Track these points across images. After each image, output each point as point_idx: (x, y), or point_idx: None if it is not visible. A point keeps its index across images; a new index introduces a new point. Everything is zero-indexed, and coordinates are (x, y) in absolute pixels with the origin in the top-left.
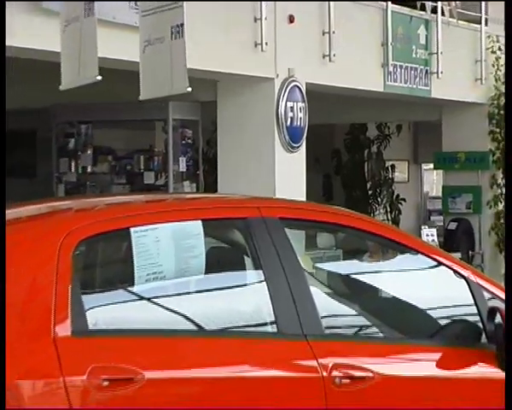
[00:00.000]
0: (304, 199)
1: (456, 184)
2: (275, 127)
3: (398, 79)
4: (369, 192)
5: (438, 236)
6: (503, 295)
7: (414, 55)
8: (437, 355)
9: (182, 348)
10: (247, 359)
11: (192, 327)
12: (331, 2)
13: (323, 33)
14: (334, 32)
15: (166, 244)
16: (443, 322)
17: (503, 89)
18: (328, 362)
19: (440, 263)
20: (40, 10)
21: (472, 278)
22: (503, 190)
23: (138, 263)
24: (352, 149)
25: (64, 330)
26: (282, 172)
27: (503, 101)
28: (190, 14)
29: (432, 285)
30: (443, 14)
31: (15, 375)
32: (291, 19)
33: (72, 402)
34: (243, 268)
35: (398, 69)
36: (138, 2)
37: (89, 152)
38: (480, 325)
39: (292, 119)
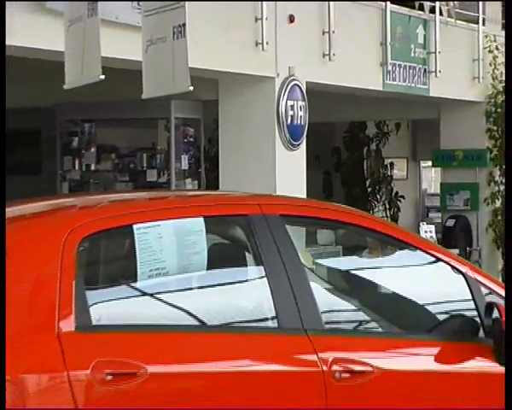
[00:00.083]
0: (304, 196)
1: (454, 182)
2: (275, 126)
3: (396, 77)
4: (369, 189)
5: (436, 232)
6: (500, 291)
7: (412, 55)
8: (435, 350)
9: (184, 343)
10: (248, 353)
11: (194, 322)
12: (331, 3)
13: (323, 33)
14: (333, 32)
15: (169, 241)
16: (441, 317)
17: (500, 87)
18: (328, 356)
19: (439, 259)
20: (44, 10)
21: (470, 273)
22: (501, 188)
23: (141, 259)
24: (351, 146)
25: (68, 325)
26: (282, 169)
27: (500, 99)
28: (192, 14)
29: (430, 281)
30: (441, 13)
31: (20, 369)
32: (291, 19)
33: (76, 396)
34: (244, 264)
35: (397, 68)
36: (141, 3)
37: (92, 150)
38: (478, 319)
39: (292, 117)
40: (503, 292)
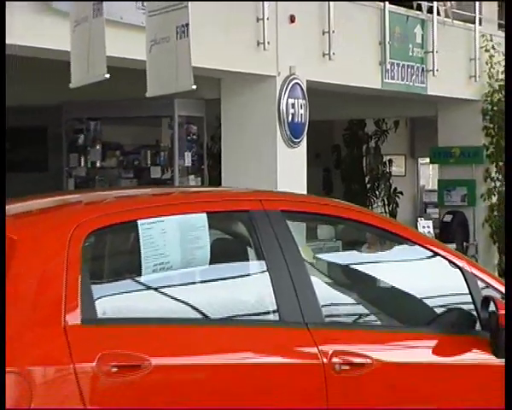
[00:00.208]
0: (305, 192)
1: (452, 178)
2: (276, 123)
3: (395, 76)
4: (368, 186)
5: (434, 227)
6: (496, 285)
7: (410, 54)
8: (433, 342)
9: (187, 336)
10: (250, 346)
11: (197, 316)
12: (331, 3)
13: (323, 33)
14: (333, 32)
15: (172, 236)
16: (439, 310)
17: (496, 86)
18: (329, 349)
19: (436, 254)
20: (50, 11)
21: (467, 268)
22: (497, 184)
23: (145, 254)
24: (350, 144)
25: (74, 318)
26: (283, 166)
27: (496, 97)
28: (195, 15)
29: (428, 275)
30: (438, 14)
31: (27, 362)
32: (292, 19)
33: (82, 388)
34: (246, 259)
35: (396, 67)
36: (145, 3)
37: (98, 147)
38: (475, 313)
39: (293, 115)
40: (499, 286)
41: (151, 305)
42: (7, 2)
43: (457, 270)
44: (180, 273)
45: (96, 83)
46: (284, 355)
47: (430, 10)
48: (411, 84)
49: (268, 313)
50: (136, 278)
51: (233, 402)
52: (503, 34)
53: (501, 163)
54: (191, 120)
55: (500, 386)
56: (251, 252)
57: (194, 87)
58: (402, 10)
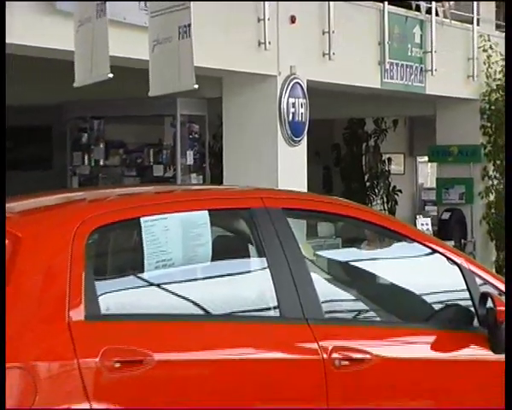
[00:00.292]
0: (305, 190)
1: (450, 176)
2: (277, 122)
3: (394, 76)
4: (367, 184)
5: (432, 225)
6: (494, 281)
7: (409, 54)
8: (431, 338)
9: (189, 332)
10: (251, 342)
11: (199, 312)
12: (331, 3)
13: (323, 33)
14: (333, 32)
15: (175, 233)
16: (437, 307)
17: (494, 85)
18: (328, 345)
19: (435, 251)
20: (55, 11)
21: (464, 264)
22: (494, 182)
23: (148, 251)
24: (350, 142)
25: (78, 314)
26: (284, 164)
27: (493, 97)
28: (197, 15)
29: (426, 272)
30: (437, 14)
31: (32, 357)
32: (293, 19)
33: (85, 383)
34: (247, 256)
35: (395, 67)
36: (148, 4)
37: (101, 146)
38: (473, 309)
39: (293, 114)
40: (496, 283)
41: (154, 301)
42: (12, 3)
43: (455, 267)
44: (182, 270)
45: (99, 82)
46: (285, 351)
47: (429, 11)
48: (410, 83)
49: (269, 309)
50: (139, 275)
51: (234, 397)
52: (500, 34)
53: (498, 162)
54: (193, 118)
55: (497, 382)
56: (252, 249)
57: (196, 86)
58: (401, 11)
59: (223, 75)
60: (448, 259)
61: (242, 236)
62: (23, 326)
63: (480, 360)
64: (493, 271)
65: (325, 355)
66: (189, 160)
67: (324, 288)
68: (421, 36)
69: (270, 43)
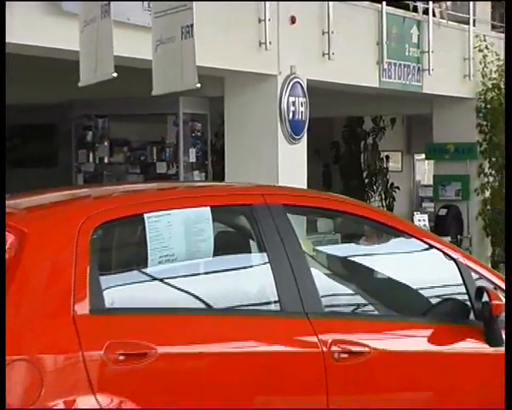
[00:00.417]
0: (305, 187)
1: (446, 173)
2: (278, 121)
3: (392, 75)
4: (366, 181)
5: (429, 221)
6: (489, 276)
7: (407, 54)
8: (429, 331)
9: (192, 326)
10: (252, 335)
11: (201, 306)
12: (330, 4)
13: (323, 33)
14: (333, 32)
15: (177, 229)
16: (434, 301)
17: (489, 84)
18: (328, 338)
19: (432, 246)
20: (60, 12)
21: (461, 259)
22: (490, 179)
23: (151, 246)
24: (349, 140)
25: (83, 308)
26: (284, 162)
27: (489, 96)
28: (199, 16)
29: (424, 267)
30: (434, 15)
31: (38, 350)
32: (293, 20)
33: (90, 375)
34: (249, 251)
35: (393, 66)
36: (151, 5)
37: (105, 144)
38: (469, 303)
39: (294, 113)
40: (492, 277)
41: (157, 295)
42: (18, 4)
43: (452, 262)
44: (185, 265)
45: (103, 81)
46: (285, 344)
47: (426, 11)
48: (408, 82)
49: (269, 303)
50: (143, 270)
51: (236, 389)
52: (496, 34)
53: (494, 159)
54: (195, 117)
55: (493, 373)
56: (253, 244)
57: (199, 86)
58: (399, 12)
59: (224, 75)
60: (445, 254)
61: (244, 231)
62: (29, 320)
63: (475, 352)
64: (489, 266)
65: (324, 348)
66: (192, 157)
67: (324, 282)
68: (418, 36)
69: (270, 43)
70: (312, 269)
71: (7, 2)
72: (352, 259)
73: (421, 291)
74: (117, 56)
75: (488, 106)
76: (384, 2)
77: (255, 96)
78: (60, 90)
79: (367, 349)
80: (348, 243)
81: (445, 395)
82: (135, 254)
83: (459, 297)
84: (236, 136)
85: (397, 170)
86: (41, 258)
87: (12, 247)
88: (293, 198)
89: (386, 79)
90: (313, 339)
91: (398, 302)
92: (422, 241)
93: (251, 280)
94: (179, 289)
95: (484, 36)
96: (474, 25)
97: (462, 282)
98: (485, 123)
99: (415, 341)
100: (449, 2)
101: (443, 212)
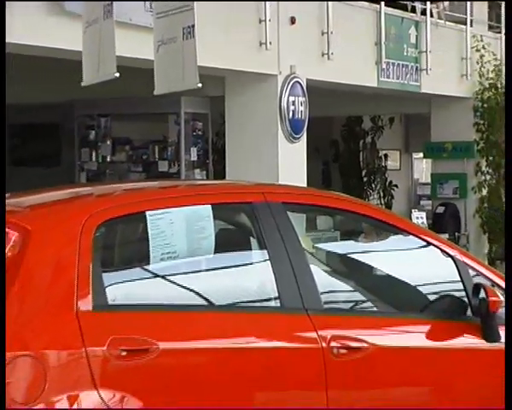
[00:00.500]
0: (305, 185)
1: (444, 172)
2: (278, 120)
3: (390, 75)
4: (364, 179)
5: (427, 218)
6: (486, 273)
7: (405, 54)
8: (426, 328)
9: (193, 322)
10: (252, 331)
11: (202, 302)
12: (329, 4)
13: (322, 33)
14: (332, 33)
15: (179, 226)
16: (432, 297)
17: (486, 84)
18: (327, 334)
19: (429, 243)
20: (63, 13)
21: (458, 256)
22: (487, 177)
23: (153, 244)
24: (348, 139)
25: (86, 305)
26: (284, 160)
27: (486, 95)
28: (201, 16)
29: (422, 264)
30: (432, 15)
31: (41, 345)
32: (292, 20)
33: (93, 370)
34: (249, 248)
35: (391, 66)
36: (153, 5)
37: (108, 143)
38: (466, 299)
39: (293, 112)
40: (489, 274)
41: (159, 292)
42: (19, 4)
43: (449, 259)
44: (186, 262)
45: (106, 81)
46: (285, 340)
47: (424, 12)
48: (406, 82)
49: (270, 299)
50: (145, 267)
51: (236, 385)
52: (492, 35)
53: (491, 157)
54: (197, 116)
55: (490, 368)
56: (253, 242)
57: (200, 85)
58: (397, 12)
59: (225, 74)
60: (442, 251)
61: (244, 229)
62: (33, 316)
63: (473, 348)
64: (486, 263)
65: (324, 344)
66: (193, 156)
67: (323, 279)
68: (416, 36)
69: (270, 43)
70: (312, 266)
71: (7, 3)
72: (351, 256)
73: (419, 288)
74: (119, 56)
75: (485, 105)
76: (382, 3)
77: (255, 95)
78: (63, 90)
79: (365, 345)
80: (347, 240)
81: (443, 391)
82: (137, 251)
83: (456, 294)
84: (237, 135)
85: (395, 168)
86: (44, 255)
87: (16, 244)
88: (293, 196)
89: (385, 79)
90: (313, 335)
91: (397, 299)
92: (420, 238)
93: (251, 277)
94: (180, 285)
95: (481, 36)
96: (471, 25)
97: (459, 279)
98: (482, 122)
99: (413, 337)
100: (446, 3)
101: (441, 209)
